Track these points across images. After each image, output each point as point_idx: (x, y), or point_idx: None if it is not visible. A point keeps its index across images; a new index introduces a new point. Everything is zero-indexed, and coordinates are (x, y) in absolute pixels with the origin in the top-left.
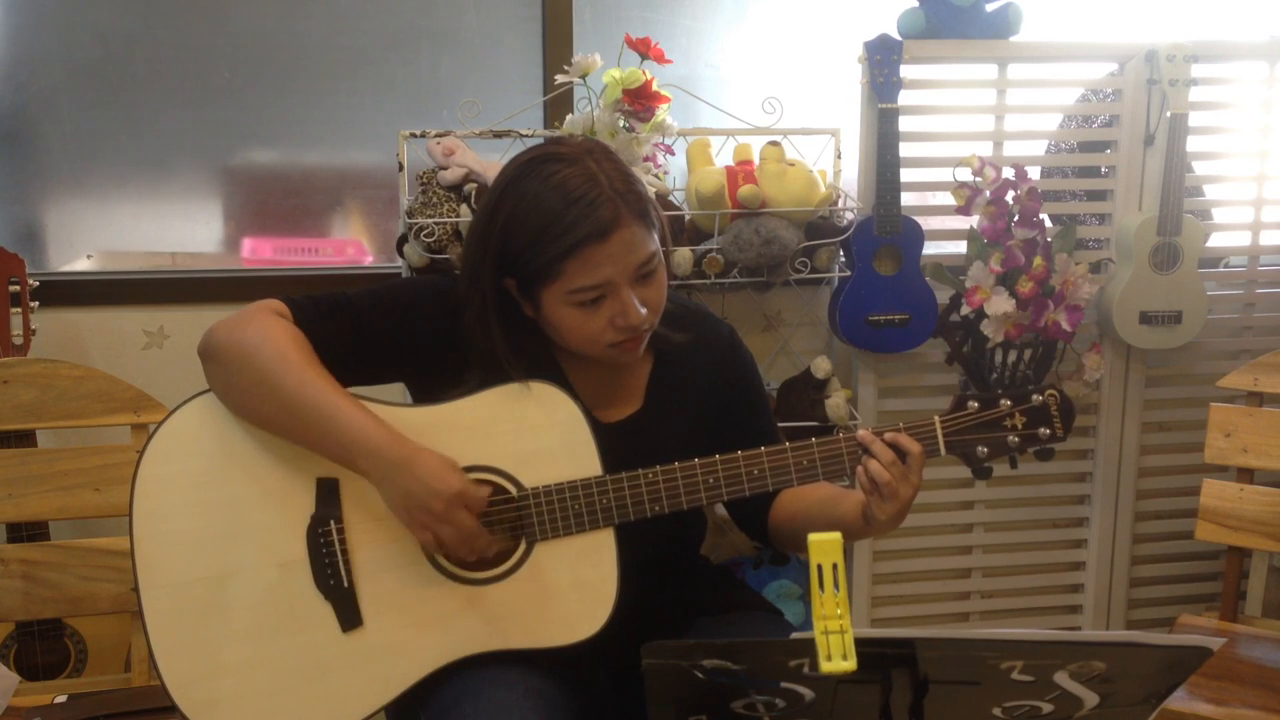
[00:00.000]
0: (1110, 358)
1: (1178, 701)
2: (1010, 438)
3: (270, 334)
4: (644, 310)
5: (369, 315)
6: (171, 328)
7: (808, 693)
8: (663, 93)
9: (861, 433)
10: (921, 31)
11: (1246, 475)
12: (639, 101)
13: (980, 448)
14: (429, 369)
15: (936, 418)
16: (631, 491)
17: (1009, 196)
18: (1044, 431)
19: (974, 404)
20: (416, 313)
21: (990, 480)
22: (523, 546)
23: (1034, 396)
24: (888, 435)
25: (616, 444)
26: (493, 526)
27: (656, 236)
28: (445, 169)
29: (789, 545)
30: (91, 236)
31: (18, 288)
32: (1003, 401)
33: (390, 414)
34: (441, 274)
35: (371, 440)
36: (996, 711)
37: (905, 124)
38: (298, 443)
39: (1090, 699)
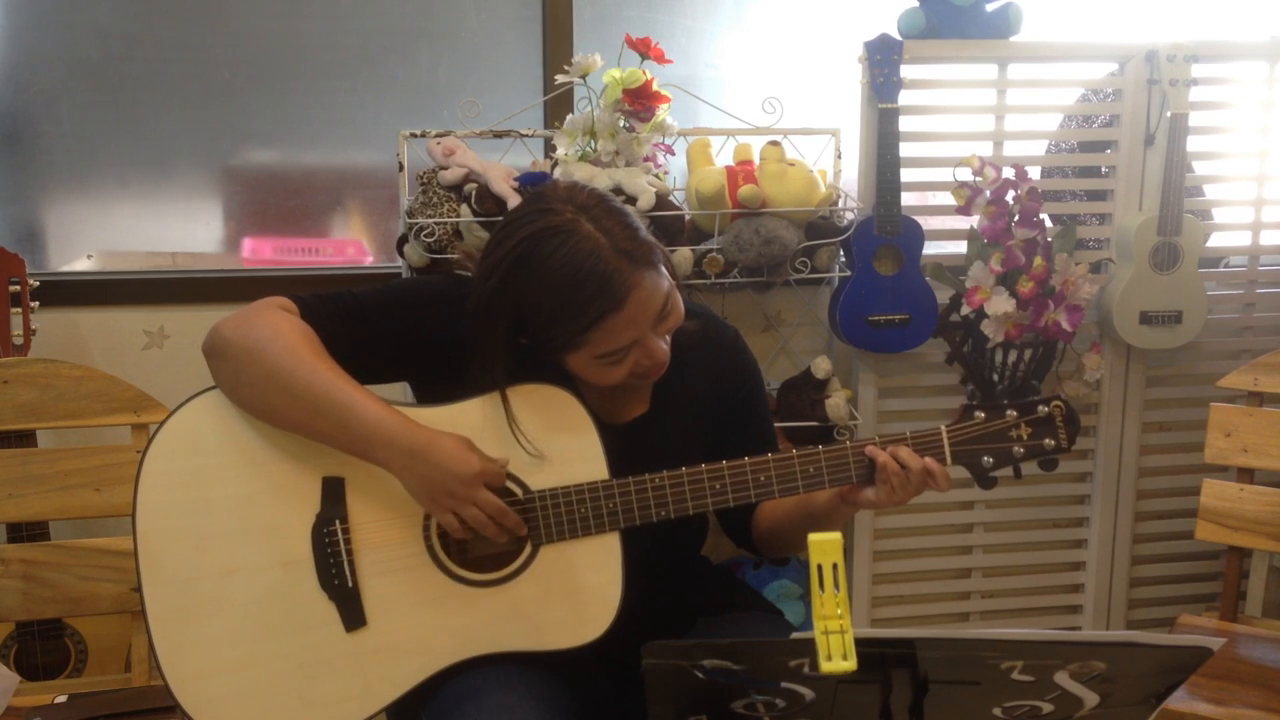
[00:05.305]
0: (1110, 358)
1: (1178, 701)
2: (1015, 448)
3: (279, 328)
4: (666, 342)
5: (375, 314)
6: (171, 328)
7: (808, 693)
8: (663, 93)
9: (897, 448)
10: (922, 31)
11: (1246, 475)
12: (639, 101)
13: (986, 458)
14: (434, 368)
15: (943, 427)
16: (638, 496)
17: (1009, 196)
18: (1049, 442)
19: (980, 414)
20: (423, 312)
21: None
22: (528, 549)
23: (1039, 407)
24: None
25: (622, 445)
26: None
27: (666, 271)
28: (445, 169)
29: (771, 547)
30: (91, 236)
31: (18, 288)
32: (1009, 412)
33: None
34: (446, 274)
35: (387, 429)
36: (996, 711)
37: (905, 124)
38: (310, 436)
39: (1090, 699)
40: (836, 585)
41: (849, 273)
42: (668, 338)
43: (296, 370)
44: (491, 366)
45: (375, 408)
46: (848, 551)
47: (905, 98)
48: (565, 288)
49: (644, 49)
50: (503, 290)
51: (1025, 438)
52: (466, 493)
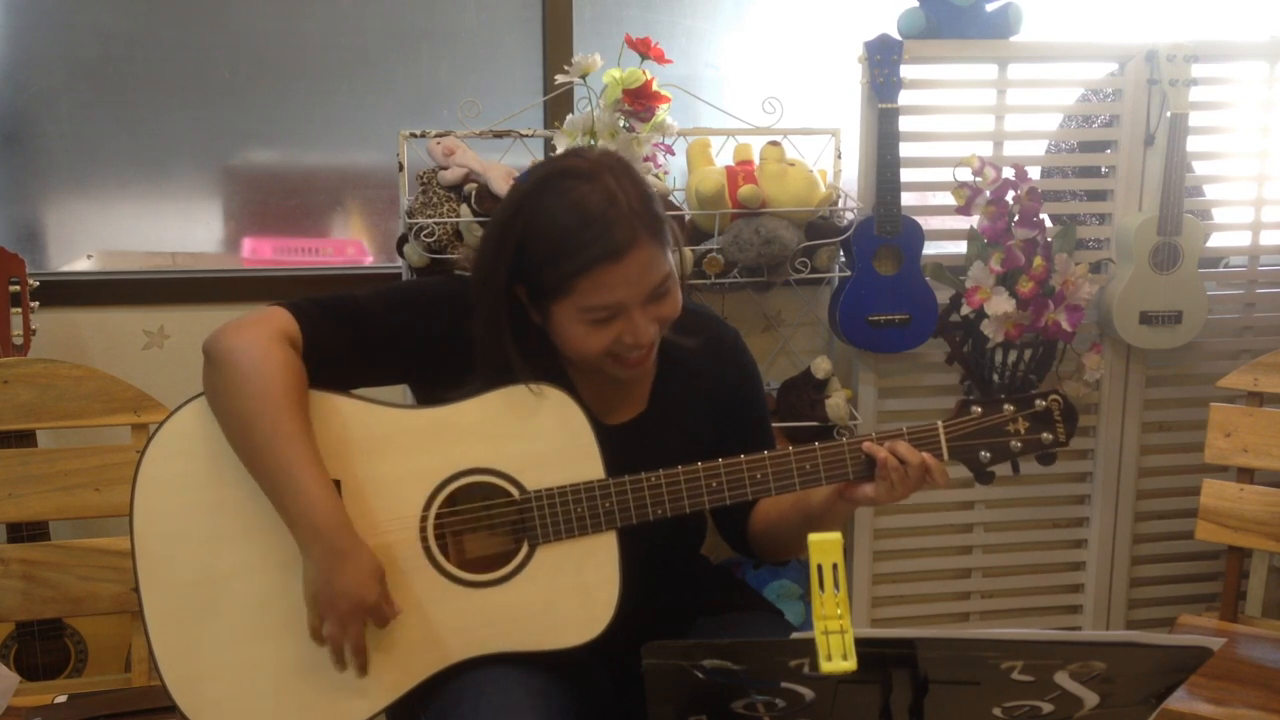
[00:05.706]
0: (1110, 358)
1: (1178, 701)
2: (1013, 442)
3: (263, 367)
4: (654, 328)
5: (375, 317)
6: (171, 328)
7: (808, 693)
8: (663, 93)
9: (895, 444)
10: (921, 31)
11: (1246, 475)
12: (639, 101)
13: (983, 452)
14: (433, 370)
15: (940, 422)
16: (634, 495)
17: (1009, 196)
18: (1046, 436)
19: (977, 409)
20: (422, 314)
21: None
22: (525, 549)
23: (1037, 401)
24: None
25: (620, 445)
26: (494, 529)
27: (672, 256)
28: (445, 169)
29: (768, 550)
30: (91, 236)
31: (18, 288)
32: (1006, 406)
33: (394, 415)
34: (447, 275)
35: (317, 517)
36: (996, 711)
37: (905, 124)
38: (256, 482)
39: (1090, 699)
40: (836, 585)
41: (849, 273)
42: (657, 327)
43: (257, 423)
44: (494, 306)
45: (314, 491)
46: (848, 551)
47: (905, 98)
48: (572, 223)
49: (644, 49)
50: (515, 217)
51: (1023, 432)
52: (346, 615)
